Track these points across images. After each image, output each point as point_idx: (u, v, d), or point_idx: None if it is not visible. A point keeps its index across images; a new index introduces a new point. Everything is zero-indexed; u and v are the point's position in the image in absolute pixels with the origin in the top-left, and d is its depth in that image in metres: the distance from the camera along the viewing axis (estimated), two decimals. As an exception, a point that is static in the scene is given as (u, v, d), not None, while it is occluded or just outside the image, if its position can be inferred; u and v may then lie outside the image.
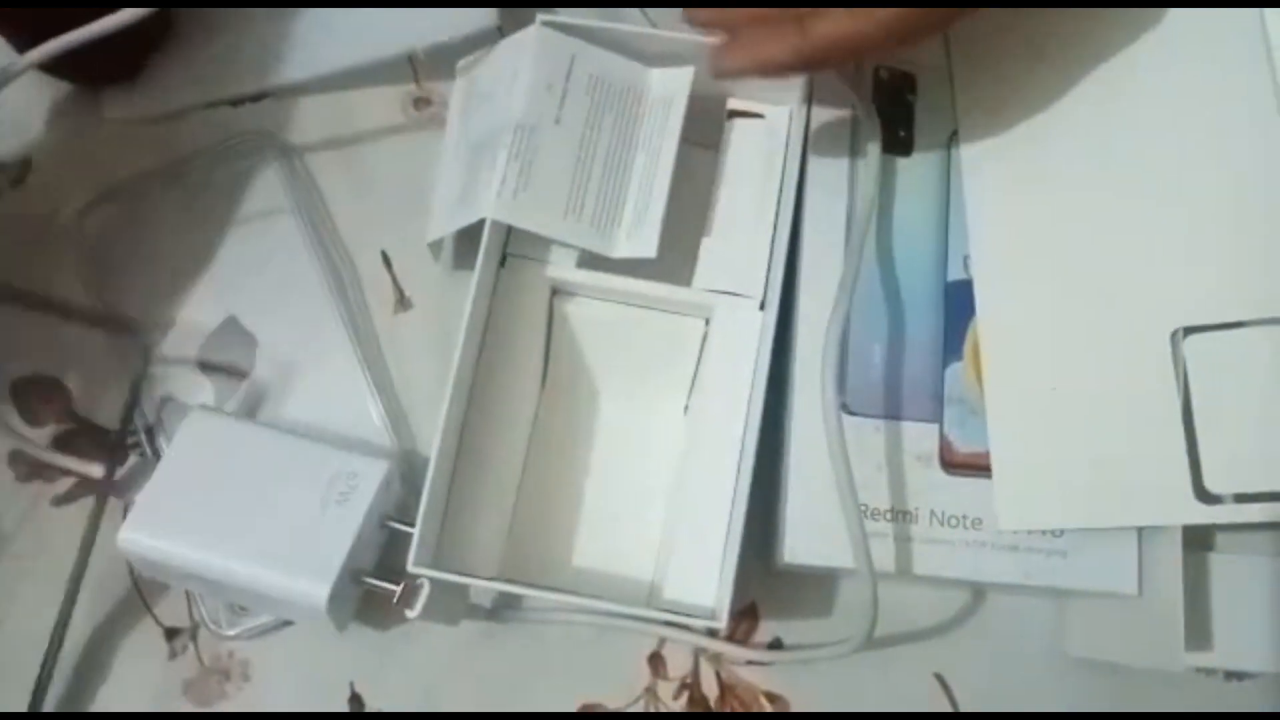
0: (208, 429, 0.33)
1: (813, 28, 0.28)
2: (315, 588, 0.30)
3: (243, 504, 0.31)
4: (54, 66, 0.37)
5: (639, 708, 0.35)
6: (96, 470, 0.34)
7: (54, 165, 0.39)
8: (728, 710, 0.35)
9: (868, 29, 0.27)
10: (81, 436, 0.36)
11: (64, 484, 0.36)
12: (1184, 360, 0.28)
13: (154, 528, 0.31)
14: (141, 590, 0.35)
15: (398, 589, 0.32)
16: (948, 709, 0.35)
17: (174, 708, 0.34)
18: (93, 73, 0.39)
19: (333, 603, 0.30)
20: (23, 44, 0.34)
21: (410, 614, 0.31)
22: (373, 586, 0.32)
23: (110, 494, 0.33)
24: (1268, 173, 0.28)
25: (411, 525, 0.29)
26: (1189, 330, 0.28)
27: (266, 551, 0.31)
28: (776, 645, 0.35)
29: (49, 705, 0.33)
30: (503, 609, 0.35)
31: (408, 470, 0.35)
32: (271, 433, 0.33)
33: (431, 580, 0.31)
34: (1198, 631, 0.30)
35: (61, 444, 0.36)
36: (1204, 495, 0.27)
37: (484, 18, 0.38)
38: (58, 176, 0.39)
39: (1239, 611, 0.31)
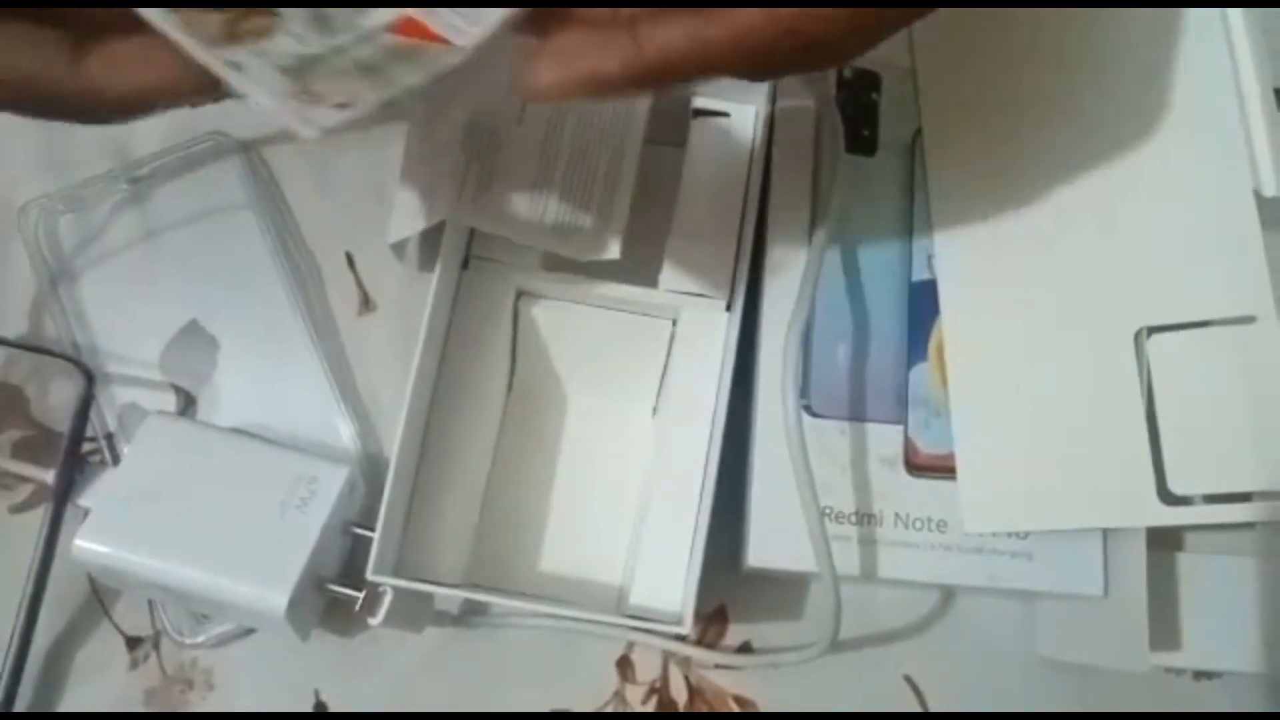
0: (166, 434, 0.32)
1: (649, 36, 0.21)
2: (274, 595, 0.30)
3: (201, 510, 0.31)
4: None
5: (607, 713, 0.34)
6: (51, 477, 0.34)
7: (7, 168, 0.38)
8: (697, 713, 0.35)
9: (717, 40, 0.21)
10: (40, 444, 0.36)
11: (22, 492, 0.35)
12: (1148, 360, 0.28)
13: (110, 535, 0.31)
14: (101, 598, 0.34)
15: (360, 596, 0.31)
16: (918, 710, 0.35)
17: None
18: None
19: (292, 610, 0.30)
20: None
21: (373, 622, 0.31)
22: (336, 593, 0.32)
23: (64, 501, 0.33)
24: (1232, 170, 0.28)
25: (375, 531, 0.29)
26: (1153, 330, 0.28)
27: (225, 558, 0.30)
28: (746, 648, 0.35)
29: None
30: (469, 614, 0.35)
31: (372, 474, 0.35)
32: (231, 437, 0.33)
33: (394, 588, 0.30)
34: (1165, 631, 0.30)
35: (19, 451, 0.36)
36: (1167, 496, 0.27)
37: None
38: (12, 179, 0.38)
39: (1207, 611, 0.31)
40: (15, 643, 0.32)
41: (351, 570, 0.33)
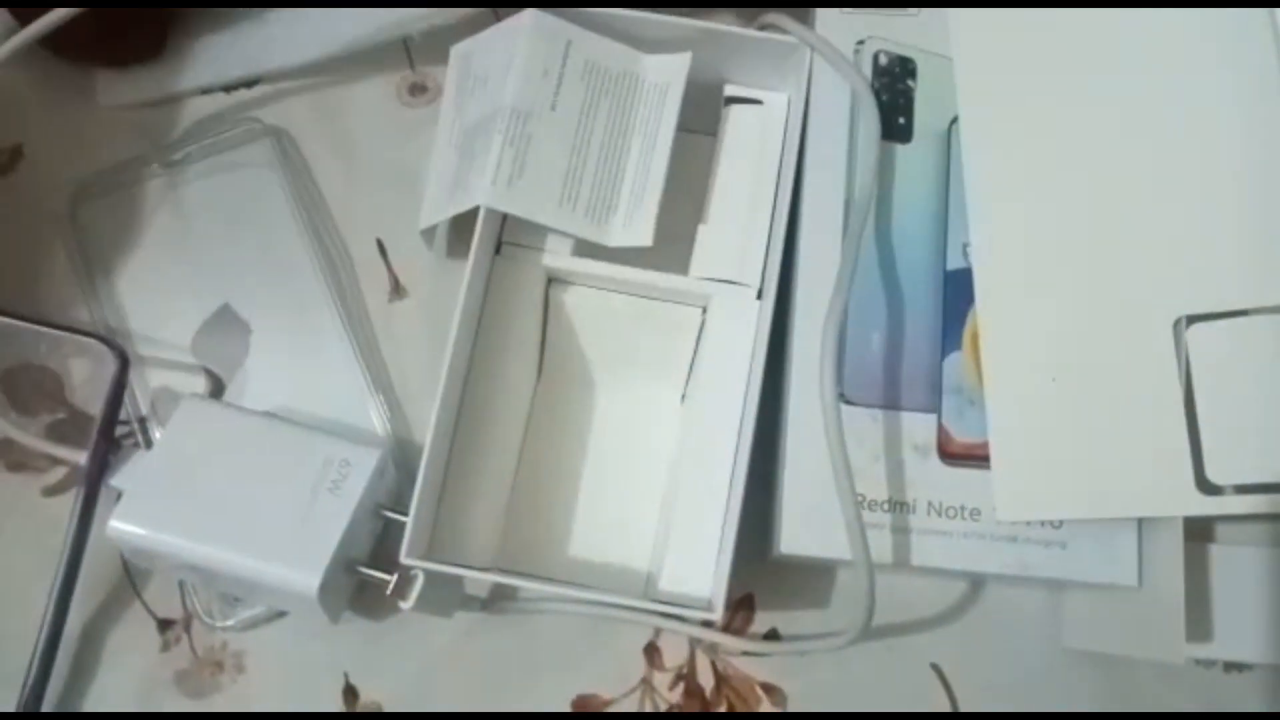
0: (200, 417, 0.33)
1: None
2: (306, 577, 0.30)
3: (233, 492, 0.31)
4: (58, 47, 0.37)
5: (634, 699, 0.35)
6: (84, 459, 0.34)
7: (45, 152, 0.39)
8: (724, 703, 0.35)
9: None
10: (73, 426, 0.36)
11: (55, 474, 0.36)
12: (1186, 349, 0.28)
13: (143, 517, 0.31)
14: (134, 581, 0.35)
15: (391, 579, 0.31)
16: (944, 700, 0.35)
17: (167, 699, 0.34)
18: (102, 55, 0.39)
19: (324, 592, 0.30)
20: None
21: (404, 605, 0.31)
22: (367, 576, 0.32)
23: (98, 483, 0.33)
24: (1273, 159, 0.28)
25: (406, 514, 0.29)
26: (1192, 319, 0.28)
27: (257, 540, 0.31)
28: (773, 636, 0.35)
29: (46, 699, 0.33)
30: (498, 599, 0.35)
31: (402, 458, 0.35)
32: (264, 420, 0.33)
33: (425, 571, 0.30)
34: (1197, 623, 0.30)
35: (53, 433, 0.36)
36: (1205, 486, 0.27)
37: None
38: (48, 163, 0.38)
39: (1239, 603, 0.30)
40: (48, 625, 0.32)
41: (381, 554, 0.33)
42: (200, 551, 0.31)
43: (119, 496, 0.32)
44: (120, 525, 0.31)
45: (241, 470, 0.32)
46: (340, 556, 0.31)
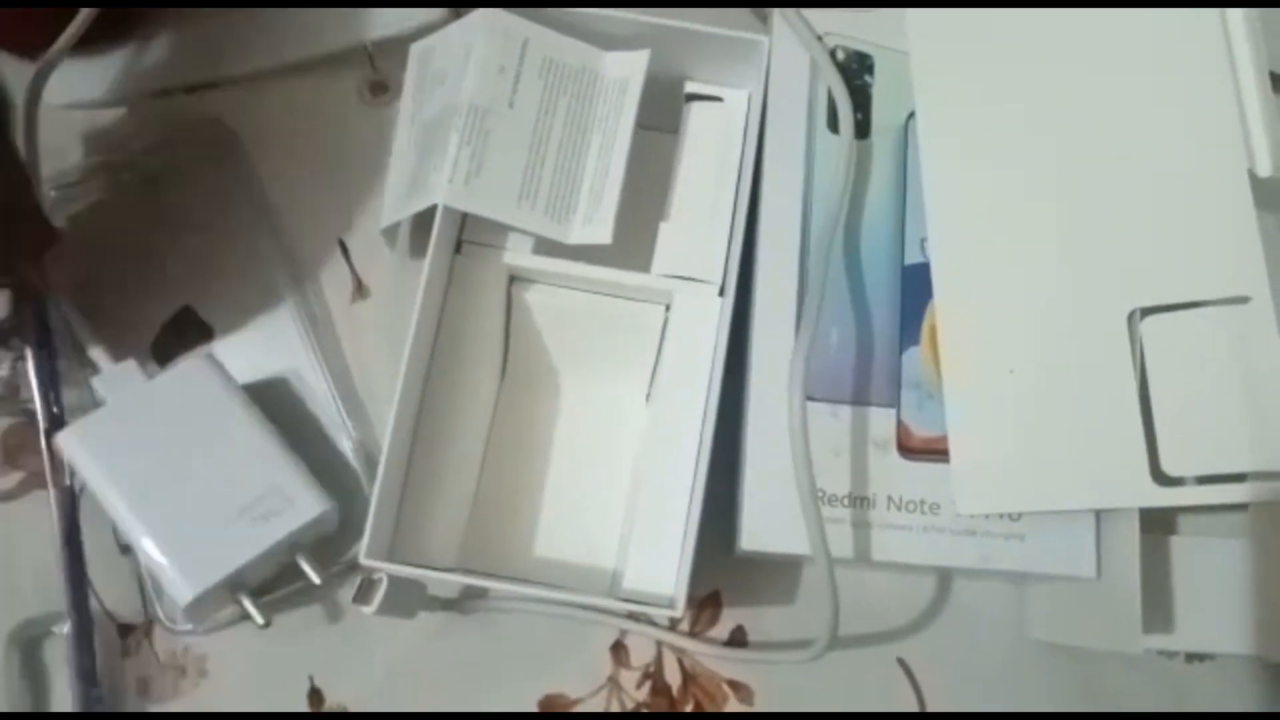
0: (199, 379, 0.33)
1: None
2: (183, 586, 0.30)
3: (176, 468, 0.31)
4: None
5: (601, 697, 0.34)
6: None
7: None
8: (691, 701, 0.35)
9: None
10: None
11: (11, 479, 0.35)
12: (1141, 341, 0.28)
13: (92, 446, 0.31)
14: (94, 587, 0.34)
15: (262, 623, 0.32)
16: (911, 694, 0.35)
17: (130, 705, 0.34)
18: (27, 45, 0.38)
19: (193, 606, 0.31)
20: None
21: (367, 610, 0.30)
22: (244, 608, 0.32)
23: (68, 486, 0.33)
24: (1227, 150, 0.28)
25: (318, 571, 0.29)
26: (1146, 311, 0.28)
27: (166, 527, 0.31)
28: (739, 633, 0.35)
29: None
30: (463, 600, 0.35)
31: (365, 459, 0.35)
32: (248, 413, 0.33)
33: (390, 575, 0.30)
34: (1158, 614, 0.30)
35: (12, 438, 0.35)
36: (1161, 478, 0.27)
37: (437, 13, 0.38)
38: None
39: (1200, 594, 0.31)
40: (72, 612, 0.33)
41: (275, 586, 0.34)
42: (116, 504, 0.31)
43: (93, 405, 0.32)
44: (70, 440, 0.31)
45: (199, 450, 0.32)
46: (227, 583, 0.31)
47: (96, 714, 0.33)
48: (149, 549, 0.31)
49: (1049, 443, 0.29)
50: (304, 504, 0.31)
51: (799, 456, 0.28)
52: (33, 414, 0.34)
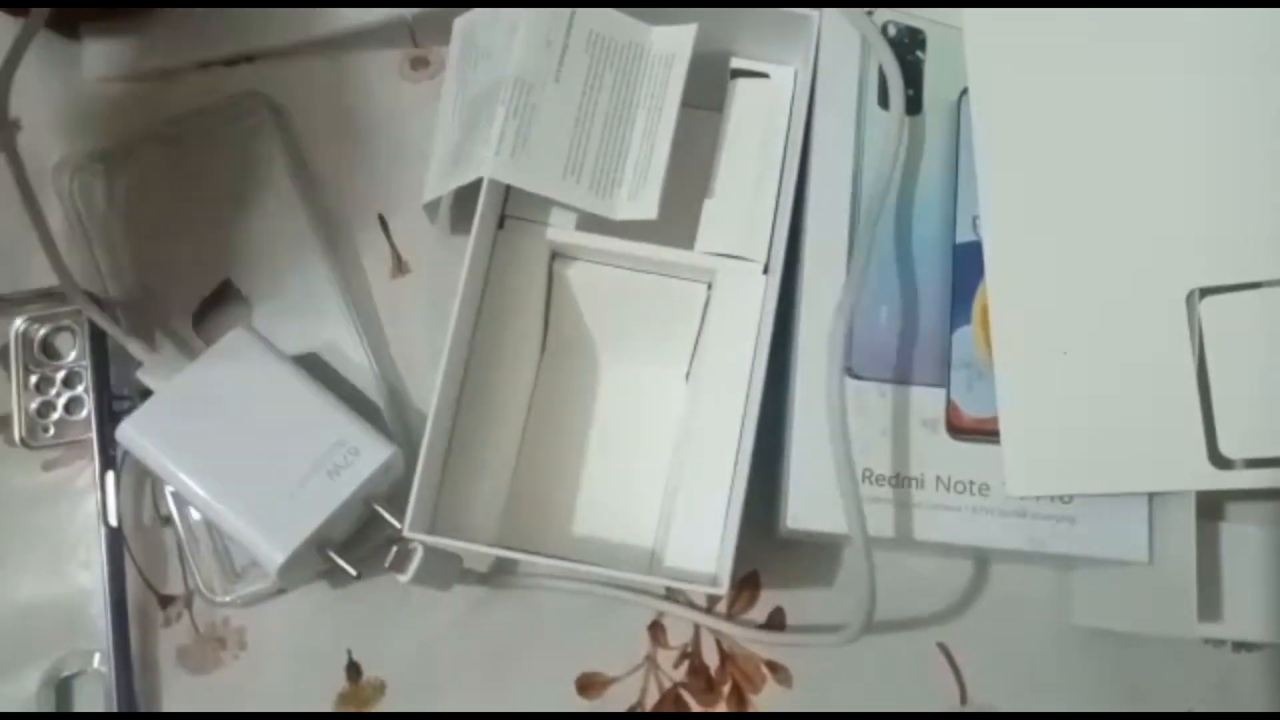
0: (244, 351, 0.33)
1: None
2: (273, 551, 0.30)
3: (241, 441, 0.31)
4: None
5: (638, 676, 0.34)
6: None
7: (44, 126, 0.38)
8: (728, 681, 0.34)
9: None
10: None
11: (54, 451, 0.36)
12: (1199, 322, 0.28)
13: (154, 432, 0.31)
14: (135, 558, 0.35)
15: (355, 574, 0.32)
16: (951, 679, 0.34)
17: (169, 675, 0.34)
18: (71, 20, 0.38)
19: (285, 569, 0.31)
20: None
21: (402, 578, 0.30)
22: (335, 564, 0.32)
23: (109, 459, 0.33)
24: (1288, 130, 0.27)
25: (398, 518, 0.29)
26: (1205, 291, 0.28)
27: (244, 498, 0.31)
28: (778, 615, 0.35)
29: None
30: (501, 575, 0.35)
31: (405, 435, 0.35)
32: (297, 376, 0.33)
33: (426, 545, 0.30)
34: (1208, 601, 0.29)
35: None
36: (1219, 460, 0.27)
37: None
38: (48, 137, 0.38)
39: (1249, 582, 0.30)
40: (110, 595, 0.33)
41: (360, 539, 0.34)
42: (189, 486, 0.31)
43: (143, 396, 0.32)
44: (130, 431, 0.31)
45: (257, 419, 0.32)
46: (314, 540, 0.31)
47: (99, 714, 0.33)
48: (231, 523, 0.31)
49: (1103, 424, 0.28)
50: (370, 452, 0.31)
51: (837, 432, 0.28)
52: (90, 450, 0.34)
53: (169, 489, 0.34)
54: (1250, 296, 0.27)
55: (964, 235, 0.32)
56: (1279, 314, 0.27)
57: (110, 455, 0.34)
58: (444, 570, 0.33)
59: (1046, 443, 0.29)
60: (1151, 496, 0.30)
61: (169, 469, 0.31)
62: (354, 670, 0.34)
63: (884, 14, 0.33)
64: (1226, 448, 0.27)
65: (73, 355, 0.35)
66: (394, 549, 0.31)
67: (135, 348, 0.33)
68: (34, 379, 0.35)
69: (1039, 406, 0.29)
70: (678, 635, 0.35)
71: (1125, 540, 0.30)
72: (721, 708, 0.34)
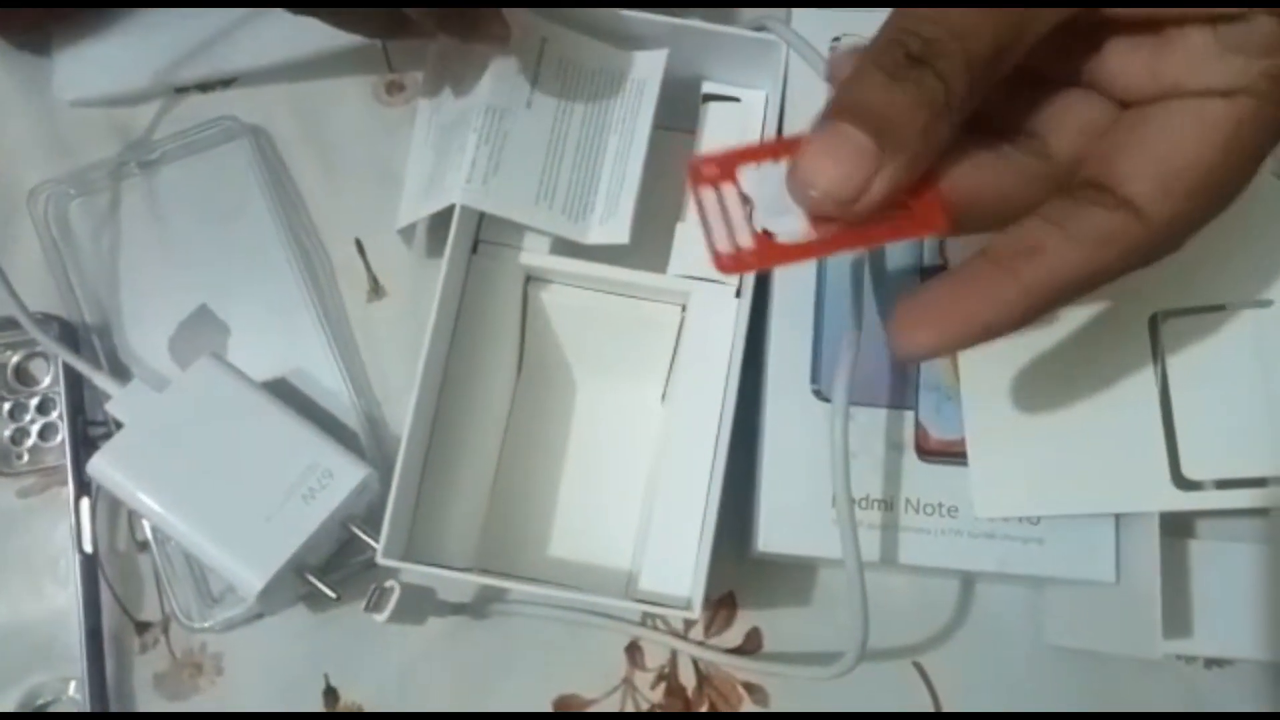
0: (213, 379, 0.33)
1: (1030, 274, 0.20)
2: (251, 577, 0.30)
3: (214, 468, 0.31)
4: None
5: (616, 699, 0.34)
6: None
7: (17, 149, 0.38)
8: (706, 702, 0.35)
9: (1108, 261, 0.20)
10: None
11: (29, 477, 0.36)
12: (1163, 344, 0.28)
13: (126, 465, 0.31)
14: (111, 584, 0.35)
15: (335, 596, 0.32)
16: (927, 698, 0.35)
17: (146, 702, 0.34)
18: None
19: (265, 594, 0.31)
20: None
21: (379, 618, 0.30)
22: (314, 587, 0.32)
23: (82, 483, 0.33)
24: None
25: (375, 537, 0.29)
26: (1168, 313, 0.28)
27: (221, 525, 0.31)
28: (754, 635, 0.35)
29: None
30: (479, 601, 0.35)
31: (381, 459, 0.35)
32: (268, 401, 0.33)
33: (401, 575, 0.30)
34: (1177, 618, 0.30)
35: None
36: (1182, 482, 0.27)
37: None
38: (20, 161, 0.38)
39: (1219, 598, 0.30)
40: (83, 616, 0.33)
41: (338, 562, 0.34)
42: (165, 518, 0.31)
43: (113, 427, 0.32)
44: (102, 465, 0.31)
45: (229, 447, 0.32)
46: (291, 564, 0.31)
47: (98, 714, 0.33)
48: (209, 552, 0.31)
49: (1068, 446, 0.29)
50: (344, 475, 0.32)
51: (838, 464, 0.28)
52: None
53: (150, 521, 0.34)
54: (1213, 318, 0.28)
55: (931, 258, 0.32)
56: (1241, 336, 0.27)
57: (85, 482, 0.34)
58: (421, 606, 0.33)
59: (1013, 465, 0.29)
60: (1118, 517, 0.30)
61: (143, 501, 0.31)
62: (331, 695, 0.34)
63: (851, 39, 0.34)
64: (1189, 469, 0.27)
65: (47, 381, 0.35)
66: (372, 588, 0.31)
67: (102, 380, 0.33)
68: (7, 405, 0.35)
69: (1005, 428, 0.30)
70: (655, 657, 0.35)
71: (1092, 561, 0.30)
72: (698, 728, 0.34)
